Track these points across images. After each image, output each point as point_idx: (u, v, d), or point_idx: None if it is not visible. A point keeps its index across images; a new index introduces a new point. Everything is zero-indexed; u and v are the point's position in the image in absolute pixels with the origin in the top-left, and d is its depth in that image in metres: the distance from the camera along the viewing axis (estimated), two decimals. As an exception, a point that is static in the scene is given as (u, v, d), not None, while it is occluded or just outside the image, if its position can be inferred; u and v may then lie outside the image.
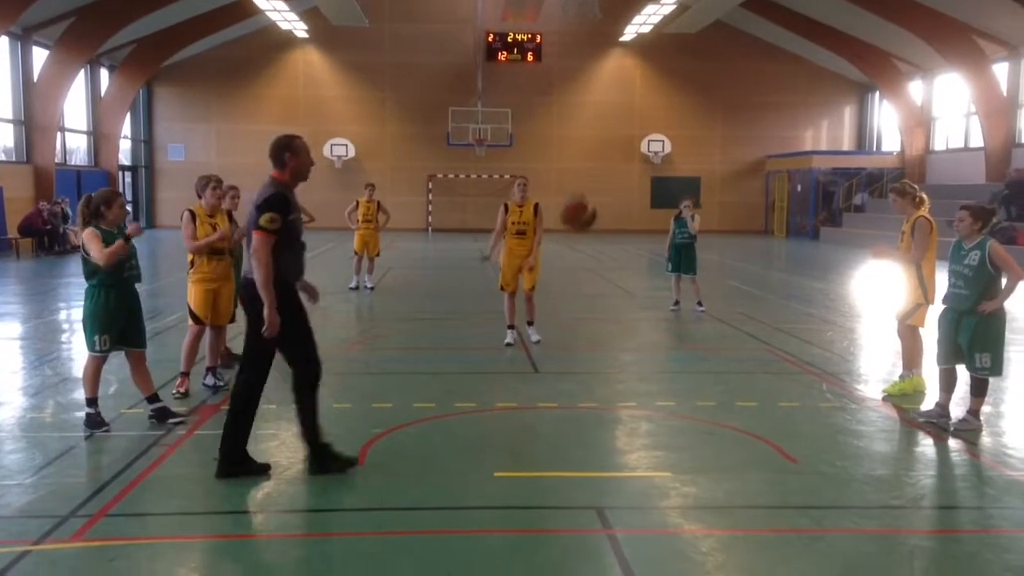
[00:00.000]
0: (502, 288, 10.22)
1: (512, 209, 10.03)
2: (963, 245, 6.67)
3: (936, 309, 7.24)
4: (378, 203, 15.44)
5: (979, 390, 6.69)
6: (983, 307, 6.47)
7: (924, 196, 7.73)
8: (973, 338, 6.55)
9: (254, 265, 5.26)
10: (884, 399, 7.71)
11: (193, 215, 7.64)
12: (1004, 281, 6.57)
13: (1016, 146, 26.26)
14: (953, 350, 6.71)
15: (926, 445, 6.49)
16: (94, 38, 26.45)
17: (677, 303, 12.82)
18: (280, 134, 5.64)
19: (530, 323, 10.33)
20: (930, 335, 7.75)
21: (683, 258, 12.71)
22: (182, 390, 7.48)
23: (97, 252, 6.28)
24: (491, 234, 10.37)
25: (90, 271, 6.45)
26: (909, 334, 7.86)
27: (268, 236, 5.22)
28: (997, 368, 6.60)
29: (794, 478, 5.64)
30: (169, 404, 6.92)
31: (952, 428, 6.70)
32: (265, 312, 5.27)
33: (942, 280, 7.05)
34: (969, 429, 6.64)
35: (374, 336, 11.17)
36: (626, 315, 13.05)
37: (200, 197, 7.76)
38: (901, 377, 7.94)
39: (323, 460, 5.59)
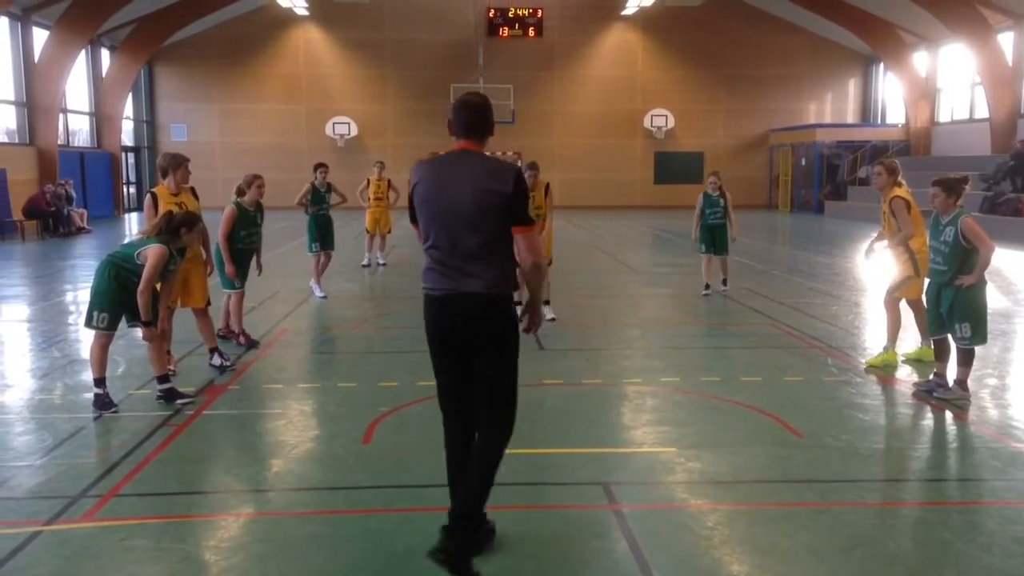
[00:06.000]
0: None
1: None
2: (940, 220, 6.78)
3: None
4: (388, 181, 15.49)
5: (964, 360, 6.76)
6: (961, 281, 6.58)
7: (902, 179, 7.93)
8: (952, 309, 6.67)
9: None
10: (866, 370, 7.81)
11: (155, 198, 7.50)
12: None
13: (1022, 117, 26.09)
14: (939, 321, 6.85)
15: (931, 418, 6.50)
16: (94, 18, 26.33)
17: (708, 287, 12.21)
18: None
19: (546, 302, 10.30)
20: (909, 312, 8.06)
21: (717, 238, 12.20)
22: (172, 368, 7.47)
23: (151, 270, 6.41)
24: None
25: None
26: (892, 307, 7.98)
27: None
28: (979, 337, 6.68)
29: (799, 452, 5.67)
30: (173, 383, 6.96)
31: (936, 397, 6.75)
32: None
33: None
34: (954, 398, 6.70)
35: (380, 315, 11.19)
36: (631, 291, 13.05)
37: (164, 177, 7.64)
38: (884, 348, 8.02)
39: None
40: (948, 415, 6.49)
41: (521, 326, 4.09)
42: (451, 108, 4.05)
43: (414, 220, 4.06)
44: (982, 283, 6.65)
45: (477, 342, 3.97)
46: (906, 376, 7.61)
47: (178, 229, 6.63)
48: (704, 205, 12.19)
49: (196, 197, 7.79)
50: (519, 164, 10.20)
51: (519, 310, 4.06)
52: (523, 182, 3.93)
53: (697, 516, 4.66)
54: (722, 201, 12.15)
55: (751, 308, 11.15)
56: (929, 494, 5.13)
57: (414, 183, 4.02)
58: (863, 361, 8.14)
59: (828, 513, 4.68)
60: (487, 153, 4.05)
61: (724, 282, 12.41)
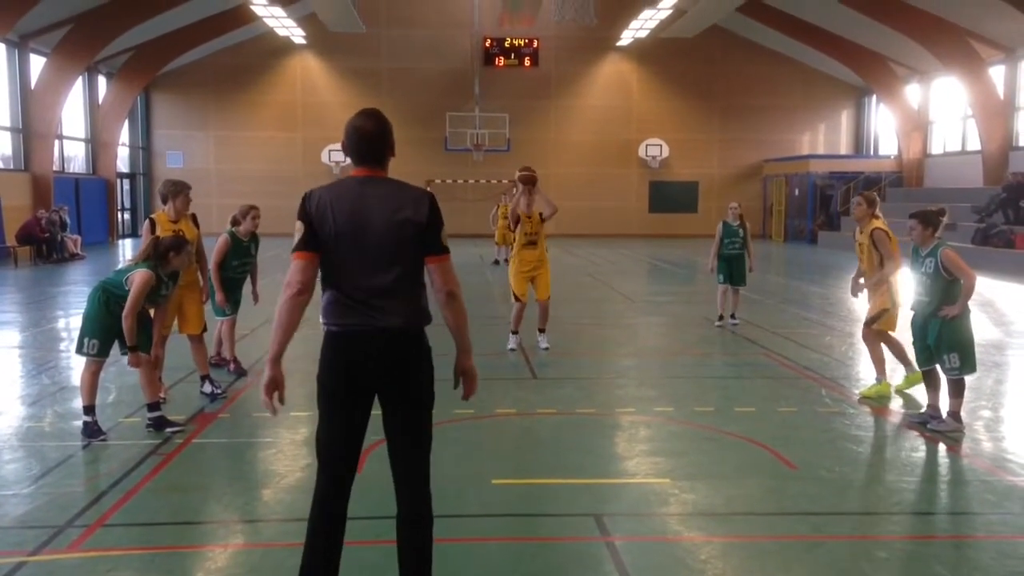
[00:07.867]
0: (516, 299, 10.13)
1: (523, 219, 9.92)
2: (920, 252, 6.83)
3: (905, 313, 7.49)
4: None
5: (955, 391, 6.77)
6: (945, 312, 6.62)
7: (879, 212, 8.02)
8: (939, 340, 6.70)
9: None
10: (860, 402, 7.81)
11: (153, 224, 7.52)
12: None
13: (1013, 149, 26.28)
14: (927, 352, 6.88)
15: (925, 451, 6.48)
16: (91, 45, 26.47)
17: (722, 318, 12.06)
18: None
19: (541, 331, 10.25)
20: (902, 339, 7.99)
21: (734, 269, 12.00)
22: (162, 395, 7.42)
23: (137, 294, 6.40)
24: (493, 238, 10.23)
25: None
26: (873, 340, 7.98)
27: None
28: (968, 367, 6.71)
29: (793, 484, 5.63)
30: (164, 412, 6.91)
31: (930, 429, 6.74)
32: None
33: (906, 284, 7.24)
34: (948, 431, 6.70)
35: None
36: (625, 320, 13.04)
37: (164, 203, 7.68)
38: (877, 380, 8.02)
39: None
40: (942, 447, 6.46)
41: (459, 391, 3.86)
42: (344, 130, 3.63)
43: (297, 250, 3.55)
44: (966, 312, 6.69)
45: (389, 385, 3.67)
46: (900, 407, 7.60)
47: (166, 254, 6.62)
48: (723, 234, 11.97)
49: (197, 225, 7.81)
50: (514, 191, 10.15)
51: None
52: (437, 209, 3.62)
53: (690, 549, 4.62)
54: (741, 231, 11.96)
55: (745, 338, 11.14)
56: (923, 528, 5.09)
57: (312, 213, 3.53)
58: (857, 392, 8.13)
59: (822, 547, 4.65)
60: (398, 179, 3.66)
61: (732, 315, 12.17)
